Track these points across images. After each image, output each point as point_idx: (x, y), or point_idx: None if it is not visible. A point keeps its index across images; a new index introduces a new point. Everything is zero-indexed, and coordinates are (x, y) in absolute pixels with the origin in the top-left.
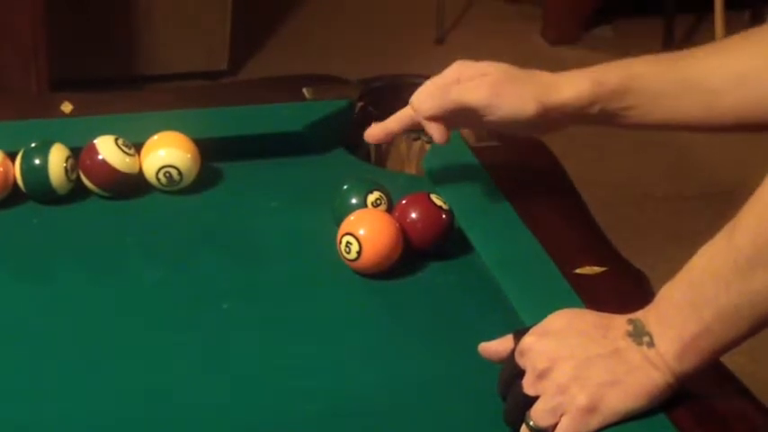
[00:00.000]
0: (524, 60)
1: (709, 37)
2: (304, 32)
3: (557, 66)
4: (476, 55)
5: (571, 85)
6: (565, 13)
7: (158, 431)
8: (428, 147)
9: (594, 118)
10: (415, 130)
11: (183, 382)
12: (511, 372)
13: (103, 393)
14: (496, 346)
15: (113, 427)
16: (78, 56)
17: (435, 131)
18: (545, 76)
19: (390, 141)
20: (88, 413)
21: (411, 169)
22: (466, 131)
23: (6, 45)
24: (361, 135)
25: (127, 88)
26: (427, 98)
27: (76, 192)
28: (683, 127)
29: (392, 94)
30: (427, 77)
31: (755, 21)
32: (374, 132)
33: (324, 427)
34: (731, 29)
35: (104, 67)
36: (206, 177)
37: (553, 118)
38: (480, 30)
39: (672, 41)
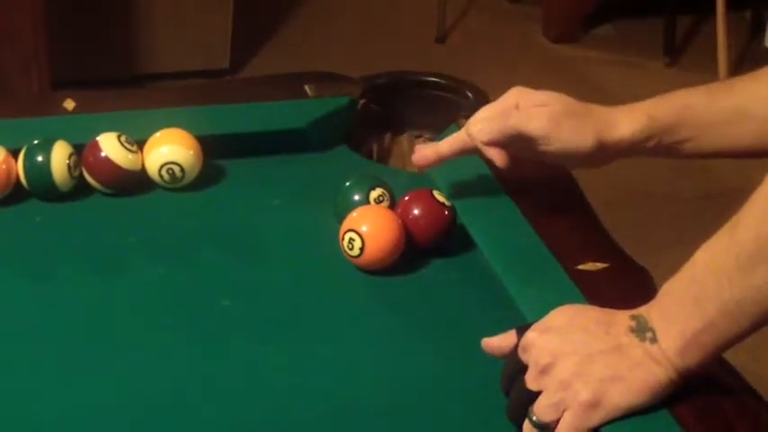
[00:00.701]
0: (526, 59)
1: (711, 37)
2: (305, 31)
3: (559, 63)
4: (477, 54)
5: (628, 122)
6: (565, 13)
7: (160, 428)
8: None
9: (649, 151)
10: (417, 129)
11: (184, 379)
12: (514, 367)
13: (105, 390)
14: (499, 342)
15: (115, 424)
16: (79, 56)
17: (495, 156)
18: (602, 112)
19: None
20: (90, 410)
21: (413, 167)
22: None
23: (7, 46)
24: (364, 132)
25: (128, 87)
26: (485, 123)
27: (79, 189)
28: (735, 155)
29: (394, 91)
30: (428, 74)
31: (756, 21)
32: (426, 155)
33: (325, 424)
34: (732, 29)
35: (105, 67)
36: (208, 174)
37: (608, 153)
38: (481, 29)
39: (673, 41)
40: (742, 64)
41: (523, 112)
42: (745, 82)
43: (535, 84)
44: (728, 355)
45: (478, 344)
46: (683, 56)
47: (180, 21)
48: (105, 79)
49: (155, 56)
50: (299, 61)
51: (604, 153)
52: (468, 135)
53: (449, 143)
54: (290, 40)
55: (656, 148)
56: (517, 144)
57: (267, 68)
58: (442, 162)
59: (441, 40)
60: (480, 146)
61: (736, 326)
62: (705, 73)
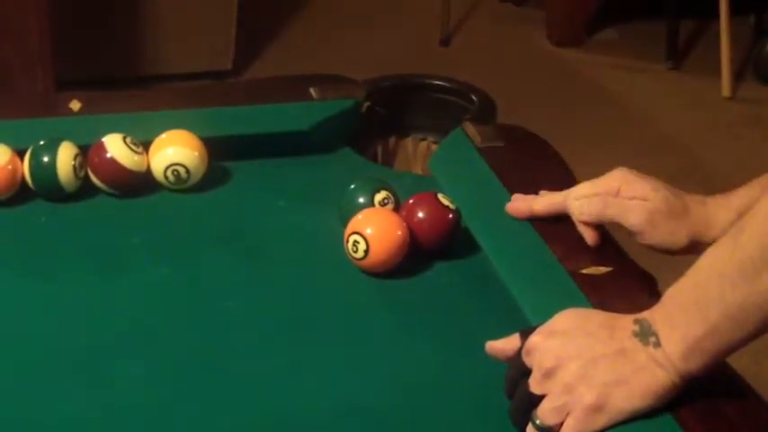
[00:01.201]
0: (529, 62)
1: (714, 42)
2: (308, 33)
3: (562, 67)
4: (481, 57)
5: (722, 222)
6: (568, 17)
7: (165, 428)
8: (434, 147)
9: None
10: (422, 132)
11: (188, 379)
12: (517, 371)
13: (110, 391)
14: (503, 345)
15: (120, 424)
16: (83, 56)
17: (588, 234)
18: (700, 212)
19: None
20: (95, 411)
21: (417, 169)
22: (471, 130)
23: (12, 47)
24: (368, 134)
25: (132, 88)
26: (585, 203)
27: (85, 189)
28: None
29: (399, 94)
30: (433, 78)
31: (759, 26)
32: (519, 208)
33: (328, 425)
34: (736, 34)
35: (109, 67)
36: (213, 176)
37: (700, 248)
38: (485, 32)
39: (676, 46)
40: (745, 69)
41: (623, 203)
42: None
43: (538, 86)
44: (730, 359)
45: (482, 347)
46: (687, 60)
47: (183, 22)
48: (109, 80)
49: (158, 57)
50: (303, 63)
51: (696, 249)
52: (567, 206)
53: (544, 205)
54: (293, 42)
55: None
56: (613, 226)
57: (270, 70)
58: (533, 217)
59: (445, 43)
60: (575, 220)
61: (739, 331)
62: (708, 77)
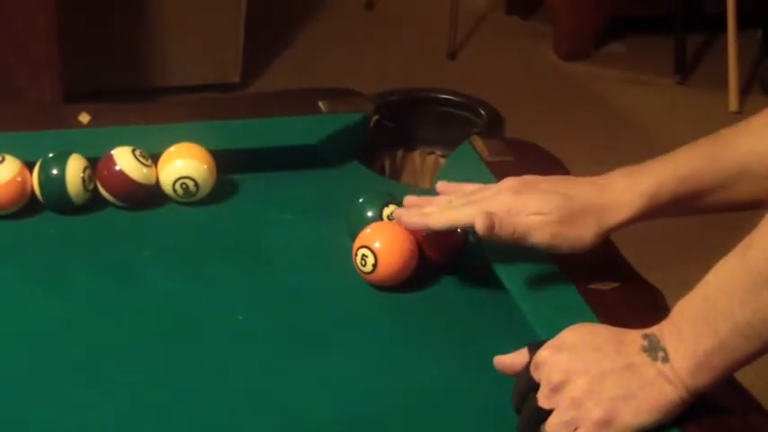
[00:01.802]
0: (536, 76)
1: (721, 55)
2: (316, 46)
3: (569, 80)
4: (488, 71)
5: (627, 207)
6: (576, 30)
7: None
8: (442, 161)
9: (654, 219)
10: (429, 145)
11: (197, 392)
12: (525, 384)
13: (118, 404)
14: (512, 359)
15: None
16: (91, 68)
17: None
18: (599, 203)
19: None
20: (103, 423)
21: (425, 183)
22: (479, 144)
23: (20, 58)
24: (376, 148)
25: (139, 100)
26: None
27: (93, 202)
28: (732, 210)
29: (407, 107)
30: (441, 91)
31: (767, 40)
32: (415, 223)
33: None
34: (743, 47)
35: (116, 80)
36: (222, 189)
37: (611, 232)
38: (492, 45)
39: (683, 59)
40: (752, 83)
41: (524, 221)
42: (741, 137)
43: (544, 100)
44: (737, 374)
45: (490, 361)
46: (694, 74)
47: (191, 34)
48: (116, 91)
49: (166, 69)
50: (310, 76)
51: (608, 233)
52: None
53: (442, 223)
54: (300, 56)
55: (660, 217)
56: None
57: (277, 83)
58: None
59: (452, 56)
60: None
61: (748, 346)
62: (715, 91)
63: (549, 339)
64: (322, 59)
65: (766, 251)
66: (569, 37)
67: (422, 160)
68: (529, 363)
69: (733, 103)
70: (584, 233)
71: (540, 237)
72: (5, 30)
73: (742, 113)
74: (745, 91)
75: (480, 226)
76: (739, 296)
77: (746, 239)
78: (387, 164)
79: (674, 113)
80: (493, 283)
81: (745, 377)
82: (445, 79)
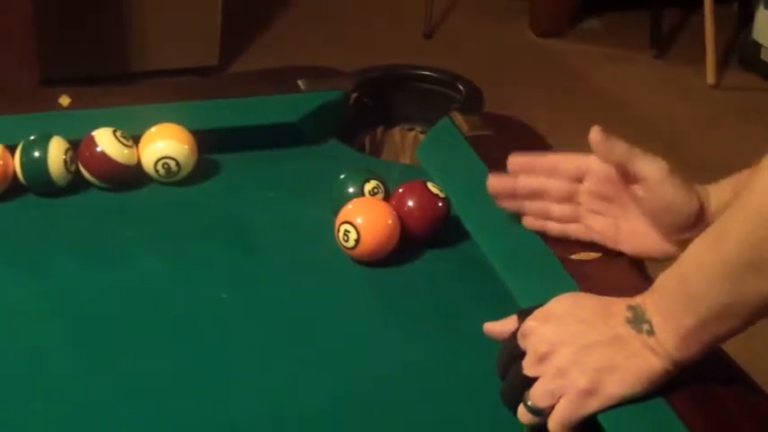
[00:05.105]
0: (513, 53)
1: (698, 30)
2: (293, 27)
3: (546, 58)
4: (465, 49)
5: (715, 201)
6: (552, 6)
7: (159, 422)
8: (422, 137)
9: None
10: (409, 122)
11: (183, 372)
12: (511, 352)
13: (104, 385)
14: (501, 327)
15: (114, 419)
16: (68, 54)
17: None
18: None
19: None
20: (89, 405)
21: (405, 159)
22: (458, 119)
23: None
24: (356, 125)
25: (118, 85)
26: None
27: (75, 184)
28: None
29: (386, 84)
30: (420, 68)
31: (743, 13)
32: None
33: (321, 414)
34: (719, 21)
35: (95, 65)
36: (203, 169)
37: (698, 225)
38: (468, 23)
39: (660, 34)
40: (729, 56)
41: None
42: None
43: (521, 77)
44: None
45: (475, 333)
46: (671, 48)
47: (169, 18)
48: (95, 77)
49: (144, 53)
50: (287, 57)
51: (698, 223)
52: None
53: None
54: (277, 37)
55: None
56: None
57: (256, 64)
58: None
59: (428, 35)
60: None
61: (729, 324)
62: (692, 65)
63: (537, 307)
64: (299, 41)
65: (738, 244)
66: (546, 14)
67: (402, 137)
68: (515, 330)
69: (710, 77)
70: (692, 192)
71: (658, 165)
72: None
73: (719, 87)
74: (722, 64)
75: None
76: (715, 282)
77: (718, 225)
78: (367, 141)
79: (652, 88)
80: (475, 256)
81: (729, 347)
82: (422, 59)
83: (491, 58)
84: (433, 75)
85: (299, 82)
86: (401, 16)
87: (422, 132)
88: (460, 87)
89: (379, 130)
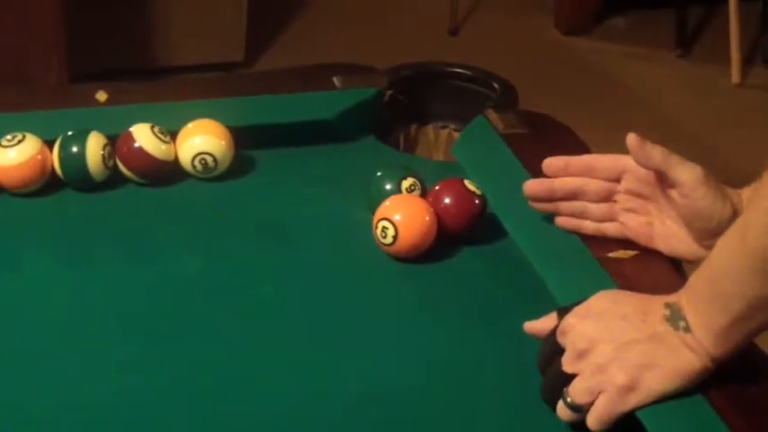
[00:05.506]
0: (538, 51)
1: (722, 28)
2: (318, 24)
3: (570, 56)
4: (489, 47)
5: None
6: (577, 5)
7: (207, 411)
8: (455, 135)
9: None
10: (443, 120)
11: (225, 366)
12: (551, 348)
13: (145, 377)
14: (540, 324)
15: (160, 410)
16: (94, 50)
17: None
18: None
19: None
20: (133, 397)
21: (438, 156)
22: (493, 117)
23: (27, 39)
24: (390, 122)
25: (144, 80)
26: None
27: (113, 179)
28: None
29: (420, 82)
30: (454, 66)
31: None
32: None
33: (360, 406)
34: (744, 20)
35: (121, 60)
36: (239, 165)
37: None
38: (493, 21)
39: (684, 33)
40: (754, 55)
41: (679, 157)
42: None
43: (546, 75)
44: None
45: (512, 329)
46: (695, 47)
47: (194, 13)
48: (121, 72)
49: (169, 49)
50: (313, 54)
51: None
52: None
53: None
54: (303, 33)
55: None
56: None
57: (281, 61)
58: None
59: (453, 32)
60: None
61: (763, 317)
62: (717, 64)
63: (576, 304)
64: (323, 37)
65: (764, 237)
66: (570, 12)
67: (435, 134)
68: (555, 327)
69: (735, 76)
70: (725, 203)
71: (692, 171)
72: (16, 15)
73: (744, 86)
74: (746, 63)
75: None
76: (744, 278)
77: (743, 220)
78: (401, 138)
79: (676, 87)
80: (511, 253)
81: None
82: (447, 56)
83: (516, 55)
84: (468, 72)
85: (335, 79)
86: (427, 13)
87: (455, 130)
88: (495, 85)
89: (413, 127)
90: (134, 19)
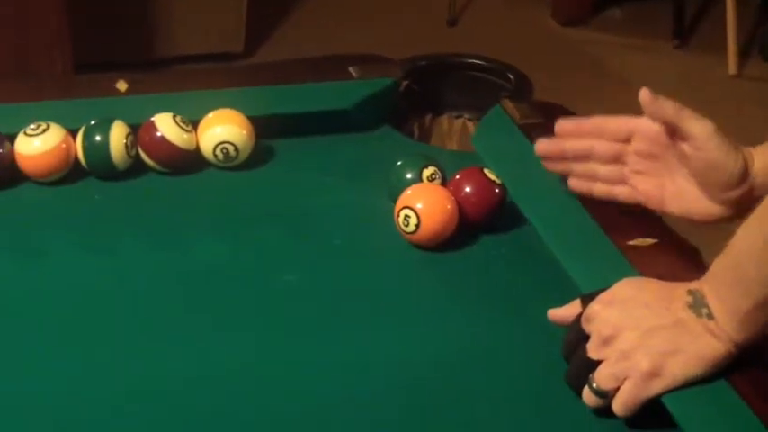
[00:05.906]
0: (535, 41)
1: (720, 19)
2: (317, 15)
3: (567, 46)
4: (488, 37)
5: (760, 159)
6: None
7: (233, 397)
8: (470, 124)
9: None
10: (457, 110)
11: (250, 352)
12: (576, 335)
13: (173, 363)
14: (564, 312)
15: (187, 395)
16: (95, 41)
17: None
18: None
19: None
20: (159, 383)
21: (453, 146)
22: (510, 107)
23: (32, 31)
24: (405, 112)
25: (144, 71)
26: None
27: (135, 168)
28: None
29: (436, 72)
30: (468, 56)
31: (765, 3)
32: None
33: (384, 394)
34: (741, 11)
35: (121, 51)
36: (259, 154)
37: (743, 188)
38: (491, 11)
39: (681, 24)
40: (751, 47)
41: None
42: None
43: (543, 65)
44: None
45: (533, 317)
46: (692, 38)
47: (194, 4)
48: (122, 63)
49: (169, 39)
50: (312, 44)
51: (742, 182)
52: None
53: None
54: (302, 24)
55: None
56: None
57: (281, 52)
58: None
59: (452, 23)
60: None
61: None
62: (714, 55)
63: (600, 291)
64: (321, 29)
65: None
66: (567, 3)
67: (449, 124)
68: (580, 314)
69: (732, 67)
70: (737, 152)
71: (705, 124)
72: (17, 7)
73: (741, 77)
74: (743, 55)
75: None
76: (765, 261)
77: (764, 203)
78: (415, 128)
79: (673, 78)
80: (531, 241)
81: None
82: (446, 46)
83: (513, 45)
84: (482, 63)
85: (351, 69)
86: (425, 4)
87: (470, 120)
88: (510, 76)
89: (428, 117)
90: (134, 9)
